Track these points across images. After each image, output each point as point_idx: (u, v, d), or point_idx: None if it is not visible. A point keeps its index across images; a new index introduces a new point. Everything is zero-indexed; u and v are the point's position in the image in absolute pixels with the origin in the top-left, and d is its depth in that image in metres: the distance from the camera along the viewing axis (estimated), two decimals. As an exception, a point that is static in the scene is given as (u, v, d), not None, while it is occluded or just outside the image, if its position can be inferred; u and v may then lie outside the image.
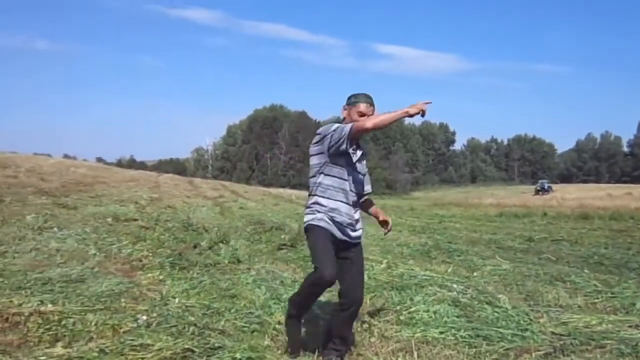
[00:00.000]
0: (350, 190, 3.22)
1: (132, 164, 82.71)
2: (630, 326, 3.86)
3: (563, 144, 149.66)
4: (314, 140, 3.28)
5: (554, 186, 64.59)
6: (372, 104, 3.26)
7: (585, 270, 6.28)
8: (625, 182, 74.54)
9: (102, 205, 11.38)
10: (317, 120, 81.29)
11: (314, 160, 3.27)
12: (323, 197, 3.19)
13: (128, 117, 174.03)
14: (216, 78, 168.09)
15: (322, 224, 3.15)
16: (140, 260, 6.06)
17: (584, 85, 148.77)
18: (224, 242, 7.73)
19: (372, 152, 76.08)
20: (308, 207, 3.26)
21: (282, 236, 8.53)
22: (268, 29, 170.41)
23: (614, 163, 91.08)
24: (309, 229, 3.19)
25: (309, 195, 3.29)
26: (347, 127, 3.09)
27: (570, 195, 33.84)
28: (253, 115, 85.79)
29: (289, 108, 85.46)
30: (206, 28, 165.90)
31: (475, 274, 6.20)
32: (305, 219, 3.25)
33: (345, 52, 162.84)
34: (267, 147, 78.30)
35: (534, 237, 10.67)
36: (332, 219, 3.16)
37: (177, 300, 4.33)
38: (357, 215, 3.29)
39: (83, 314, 3.73)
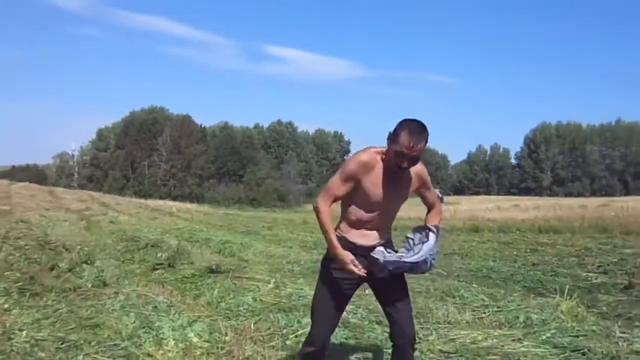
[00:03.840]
0: None
1: (-22, 170, 75.49)
2: (513, 340, 4.20)
3: (455, 155, 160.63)
4: None
5: (449, 198, 69.17)
6: (415, 140, 2.70)
7: (474, 285, 6.74)
8: (513, 193, 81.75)
9: None
10: (202, 126, 79.97)
11: None
12: None
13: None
14: (85, 73, 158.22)
15: None
16: (-19, 286, 5.51)
17: (474, 97, 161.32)
18: (88, 262, 7.32)
19: (263, 162, 76.31)
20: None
21: (159, 254, 8.23)
22: (145, 21, 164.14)
23: (502, 175, 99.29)
24: None
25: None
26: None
27: (462, 207, 36.32)
28: (129, 118, 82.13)
29: (170, 111, 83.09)
30: (74, 16, 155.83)
31: (367, 291, 6.38)
32: None
33: (234, 53, 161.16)
34: (145, 154, 75.28)
35: (427, 251, 11.27)
36: None
37: (24, 333, 3.99)
38: None
39: None
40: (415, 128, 2.71)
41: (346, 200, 2.90)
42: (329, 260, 2.96)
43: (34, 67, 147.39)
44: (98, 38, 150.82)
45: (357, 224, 2.91)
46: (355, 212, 2.90)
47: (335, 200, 2.89)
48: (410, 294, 4.85)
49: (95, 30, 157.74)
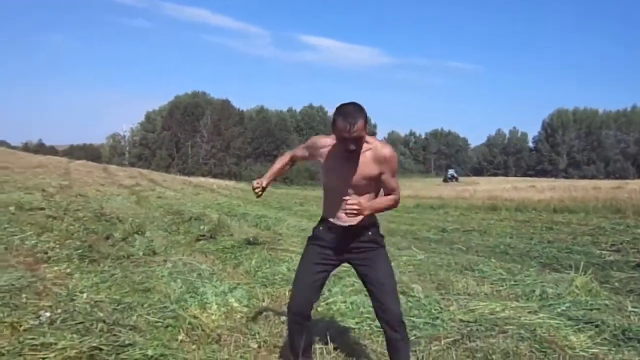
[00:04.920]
0: None
1: (40, 148, 77.51)
2: (529, 312, 4.14)
3: (475, 138, 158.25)
4: None
5: (467, 179, 68.35)
6: (351, 122, 2.57)
7: (492, 260, 6.66)
8: (530, 175, 79.94)
9: (4, 192, 10.57)
10: (240, 109, 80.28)
11: None
12: None
13: (38, 98, 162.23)
14: (135, 61, 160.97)
15: None
16: (46, 253, 5.68)
17: (495, 83, 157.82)
18: (139, 233, 7.43)
19: (296, 143, 76.28)
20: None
21: (202, 227, 8.33)
22: (191, 13, 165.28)
23: (520, 158, 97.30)
24: None
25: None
26: None
27: (481, 187, 35.79)
28: (174, 102, 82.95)
29: (211, 96, 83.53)
30: (125, 7, 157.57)
31: (391, 264, 6.39)
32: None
33: (268, 41, 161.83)
34: (189, 135, 76.10)
35: (447, 227, 11.18)
36: None
37: (85, 295, 4.10)
38: None
39: (-23, 311, 3.43)
40: (349, 111, 2.60)
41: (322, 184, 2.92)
42: (312, 235, 2.95)
43: (89, 56, 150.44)
44: (147, 28, 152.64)
45: (330, 206, 2.87)
46: (326, 193, 2.92)
47: (293, 159, 3.05)
48: (428, 266, 4.83)
49: (144, 21, 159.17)
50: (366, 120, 2.62)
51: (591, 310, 4.20)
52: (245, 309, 4.15)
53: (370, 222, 2.85)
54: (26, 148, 68.65)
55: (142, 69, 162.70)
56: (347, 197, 2.66)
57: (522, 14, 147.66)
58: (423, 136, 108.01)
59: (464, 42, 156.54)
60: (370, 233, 2.86)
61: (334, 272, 3.04)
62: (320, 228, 2.92)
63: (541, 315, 4.02)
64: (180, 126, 76.18)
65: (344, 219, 2.78)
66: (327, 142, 2.80)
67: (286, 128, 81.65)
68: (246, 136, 77.06)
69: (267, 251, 6.50)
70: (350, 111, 2.60)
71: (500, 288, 5.14)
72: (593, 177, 71.24)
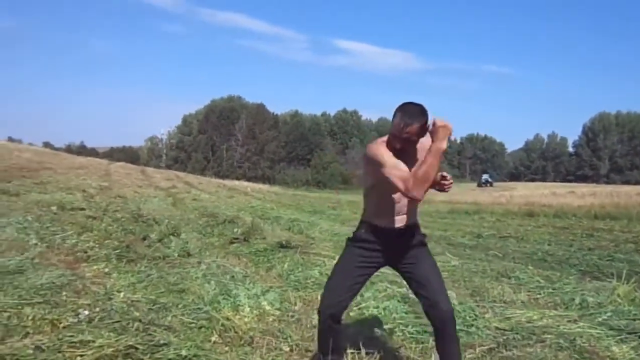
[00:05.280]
0: None
1: (82, 150, 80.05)
2: (569, 321, 4.01)
3: (512, 143, 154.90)
4: None
5: (504, 184, 67.01)
6: (407, 122, 2.53)
7: (530, 267, 6.48)
8: (569, 181, 77.79)
9: (47, 192, 10.94)
10: (274, 113, 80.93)
11: None
12: None
13: (80, 101, 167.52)
14: (172, 66, 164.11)
15: None
16: (85, 252, 5.85)
17: (533, 87, 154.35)
18: (175, 234, 7.56)
19: (329, 147, 76.42)
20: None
21: (235, 230, 8.41)
22: (226, 18, 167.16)
23: (559, 163, 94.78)
24: None
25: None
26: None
27: (518, 192, 35.02)
28: (210, 106, 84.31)
29: (246, 100, 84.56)
30: (162, 13, 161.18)
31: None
32: None
33: (303, 46, 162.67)
34: (224, 139, 77.20)
35: (483, 233, 10.96)
36: None
37: (122, 294, 4.19)
38: None
39: (20, 307, 3.56)
40: (409, 110, 2.53)
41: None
42: (355, 237, 2.85)
43: (129, 61, 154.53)
44: (184, 33, 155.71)
45: (379, 208, 2.77)
46: (373, 196, 2.79)
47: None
48: (462, 272, 4.71)
49: (181, 26, 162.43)
50: (424, 126, 2.54)
51: (634, 320, 4.03)
52: (278, 312, 4.16)
53: (415, 223, 2.83)
54: (69, 150, 71.04)
55: (180, 73, 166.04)
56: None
57: (559, 15, 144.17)
58: (458, 141, 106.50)
59: (499, 46, 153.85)
60: (416, 233, 2.82)
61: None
62: (363, 231, 2.83)
63: (581, 324, 3.88)
64: (215, 130, 77.37)
65: (393, 221, 2.73)
66: (383, 145, 2.65)
67: (320, 132, 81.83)
68: (280, 140, 77.62)
69: (300, 255, 6.51)
70: (411, 111, 2.53)
71: (538, 296, 5.00)
72: (637, 183, 68.77)
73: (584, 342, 3.48)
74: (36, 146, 47.06)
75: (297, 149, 78.97)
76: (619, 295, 4.60)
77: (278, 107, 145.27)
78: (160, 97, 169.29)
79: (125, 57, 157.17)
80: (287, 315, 4.07)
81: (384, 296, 4.50)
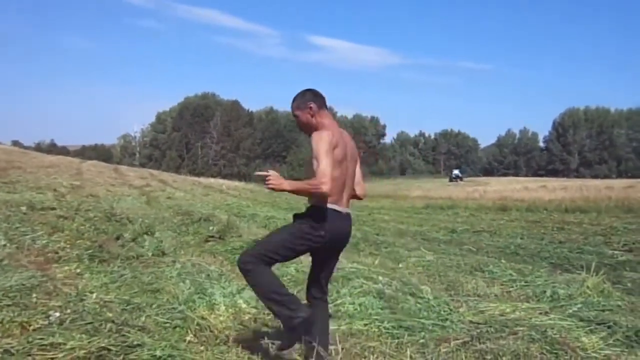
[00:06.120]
0: None
1: (53, 148, 78.45)
2: (540, 313, 4.09)
3: (485, 139, 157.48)
4: None
5: (478, 179, 68.14)
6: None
7: (502, 260, 6.60)
8: (540, 175, 79.32)
9: (17, 192, 10.66)
10: (249, 110, 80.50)
11: None
12: None
13: (50, 99, 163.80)
14: (146, 62, 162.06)
15: None
16: (56, 252, 5.72)
17: (505, 83, 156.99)
18: (149, 233, 7.44)
19: (305, 144, 76.31)
20: None
21: (211, 228, 8.34)
22: (201, 14, 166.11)
23: (531, 158, 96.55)
24: None
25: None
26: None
27: (491, 187, 35.57)
28: (184, 103, 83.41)
29: (221, 97, 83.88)
30: (136, 9, 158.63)
31: (400, 265, 6.36)
32: None
33: (278, 42, 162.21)
34: (198, 136, 76.51)
35: (457, 228, 11.11)
36: None
37: (94, 295, 4.10)
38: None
39: (-12, 311, 3.45)
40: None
41: None
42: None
43: (100, 56, 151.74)
44: (158, 29, 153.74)
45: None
46: None
47: None
48: (437, 267, 4.75)
49: (155, 22, 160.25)
50: (294, 106, 2.99)
51: (603, 311, 4.14)
52: (254, 310, 4.14)
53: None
54: (39, 148, 69.41)
55: (153, 70, 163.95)
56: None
57: (531, 12, 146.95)
58: (432, 137, 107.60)
59: (472, 41, 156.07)
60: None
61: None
62: None
63: (552, 316, 3.97)
64: (190, 127, 76.61)
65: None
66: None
67: (295, 129, 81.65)
68: (256, 137, 77.33)
69: (276, 252, 6.48)
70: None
71: (511, 289, 5.10)
72: (605, 177, 70.62)
73: (555, 334, 3.55)
74: (4, 145, 45.81)
75: (272, 146, 78.78)
76: (588, 287, 4.72)
77: (253, 104, 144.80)
78: (133, 94, 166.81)
79: (97, 53, 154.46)
80: (263, 314, 4.05)
81: (359, 292, 4.51)
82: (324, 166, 2.71)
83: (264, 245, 2.94)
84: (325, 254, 3.03)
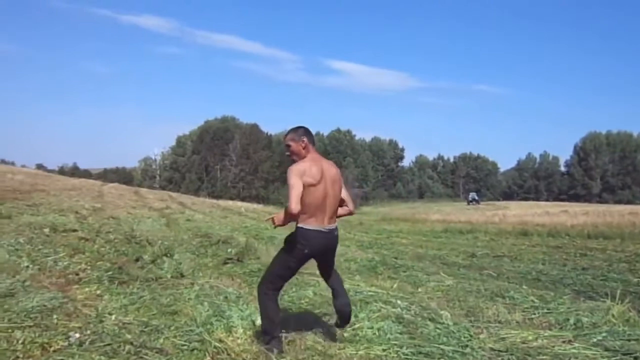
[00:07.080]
0: None
1: (75, 171, 79.77)
2: (563, 341, 3.99)
3: (505, 162, 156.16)
4: None
5: (497, 203, 67.34)
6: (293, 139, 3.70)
7: (524, 286, 6.47)
8: (562, 200, 78.07)
9: (40, 214, 10.86)
10: (268, 133, 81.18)
11: None
12: None
13: (73, 123, 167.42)
14: (167, 87, 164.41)
15: None
16: (77, 274, 5.80)
17: (524, 107, 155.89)
18: (168, 255, 7.50)
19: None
20: None
21: (229, 250, 8.38)
22: (221, 40, 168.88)
23: (551, 182, 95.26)
24: None
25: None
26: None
27: (511, 212, 35.09)
28: (204, 126, 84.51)
29: (240, 120, 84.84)
30: (158, 36, 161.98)
31: (419, 289, 6.28)
32: None
33: (297, 67, 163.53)
34: (218, 159, 77.21)
35: (477, 253, 10.96)
36: None
37: (113, 317, 4.14)
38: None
39: (10, 331, 3.51)
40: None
41: None
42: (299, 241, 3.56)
43: (123, 82, 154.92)
44: (179, 55, 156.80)
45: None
46: None
47: None
48: (457, 292, 4.64)
49: (176, 48, 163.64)
50: (289, 138, 3.67)
51: (629, 340, 4.01)
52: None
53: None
54: (62, 171, 70.80)
55: (174, 94, 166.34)
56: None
57: (552, 37, 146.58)
58: (452, 160, 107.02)
59: (492, 65, 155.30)
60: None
61: None
62: None
63: (576, 345, 3.86)
64: (209, 150, 77.41)
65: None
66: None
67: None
68: (274, 160, 77.65)
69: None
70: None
71: (533, 316, 4.98)
72: (629, 202, 69.14)
73: (579, 363, 3.45)
74: (29, 168, 46.86)
75: (291, 169, 78.92)
76: (613, 316, 4.59)
77: (272, 127, 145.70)
78: (153, 118, 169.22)
79: (118, 79, 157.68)
80: (282, 337, 4.02)
81: (378, 316, 4.46)
82: (290, 193, 3.38)
83: (271, 273, 3.68)
84: (318, 260, 3.76)
